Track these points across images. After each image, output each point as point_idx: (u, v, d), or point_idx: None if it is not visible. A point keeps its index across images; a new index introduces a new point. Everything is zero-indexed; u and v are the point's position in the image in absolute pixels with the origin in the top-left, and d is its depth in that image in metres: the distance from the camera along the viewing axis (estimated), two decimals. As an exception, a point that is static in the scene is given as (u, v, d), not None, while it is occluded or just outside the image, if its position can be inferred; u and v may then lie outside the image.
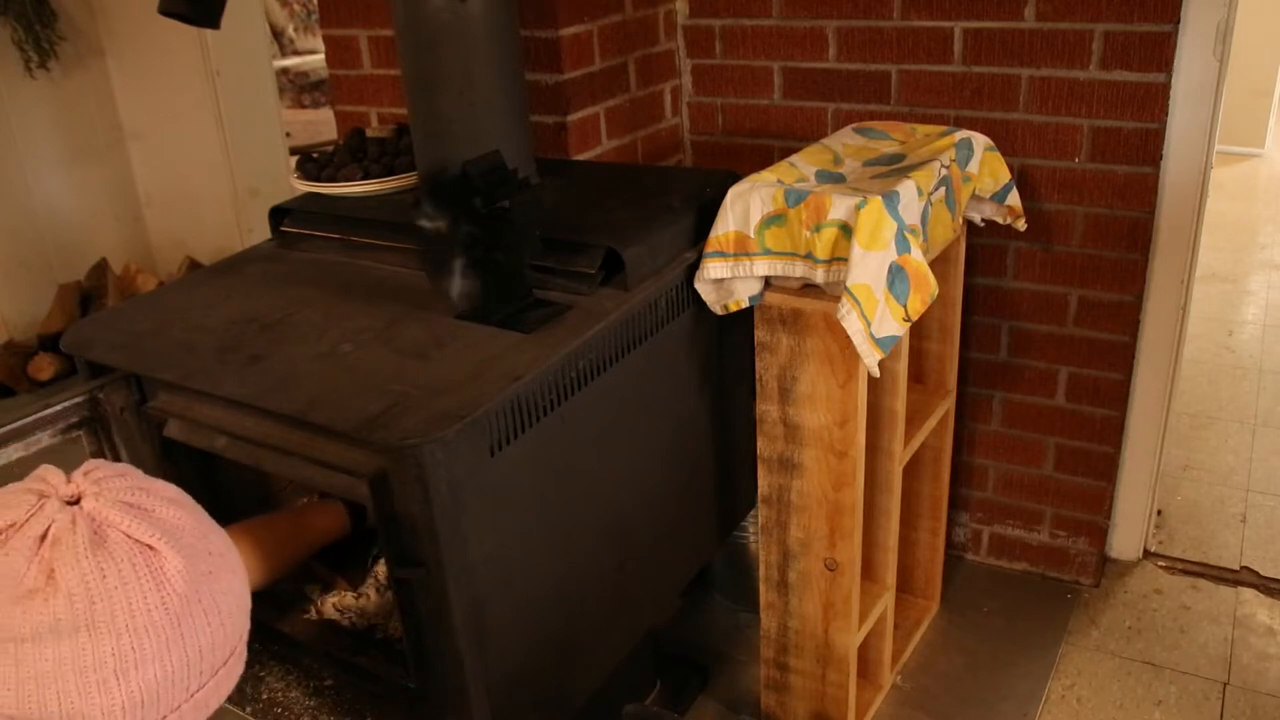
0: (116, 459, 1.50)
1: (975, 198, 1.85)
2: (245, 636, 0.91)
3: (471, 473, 1.23)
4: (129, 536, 0.81)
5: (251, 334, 1.46)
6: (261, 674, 1.55)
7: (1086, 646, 2.15)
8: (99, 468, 0.87)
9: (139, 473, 0.89)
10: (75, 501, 0.82)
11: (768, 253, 1.55)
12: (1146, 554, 2.38)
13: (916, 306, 1.52)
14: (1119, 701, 2.01)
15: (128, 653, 0.78)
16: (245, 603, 0.90)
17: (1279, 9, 4.81)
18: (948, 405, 2.04)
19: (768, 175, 1.63)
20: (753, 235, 1.55)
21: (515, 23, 1.65)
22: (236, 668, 0.90)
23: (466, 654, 1.28)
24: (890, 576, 1.94)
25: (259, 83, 3.79)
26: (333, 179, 1.77)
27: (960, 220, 1.82)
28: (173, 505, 0.86)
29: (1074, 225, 2.02)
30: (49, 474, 0.85)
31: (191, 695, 0.83)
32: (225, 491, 1.65)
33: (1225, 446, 2.81)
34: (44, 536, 0.79)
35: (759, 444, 1.72)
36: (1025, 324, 2.15)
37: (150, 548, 0.81)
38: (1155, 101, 1.87)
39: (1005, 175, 1.85)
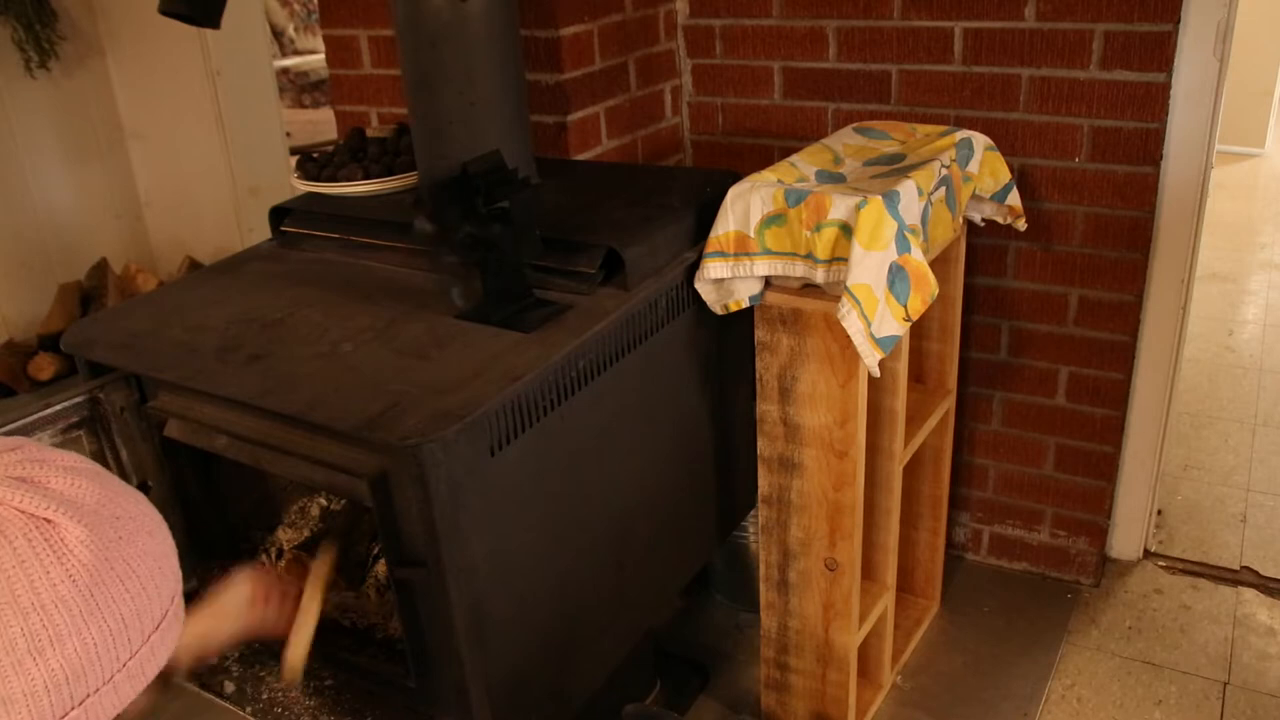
0: (117, 459, 1.50)
1: (975, 197, 1.85)
2: (179, 595, 0.86)
3: (471, 473, 1.23)
4: (21, 511, 0.76)
5: (251, 334, 1.46)
6: (261, 674, 1.56)
7: (1086, 646, 2.15)
8: None
9: (34, 444, 0.83)
10: None
11: (768, 252, 1.55)
12: (1147, 554, 2.38)
13: (917, 306, 1.52)
14: (1119, 701, 2.01)
15: (39, 631, 0.74)
16: (170, 561, 0.85)
17: (1279, 9, 4.81)
18: (948, 405, 2.04)
19: (768, 175, 1.63)
20: (753, 235, 1.55)
21: (515, 22, 1.65)
22: (172, 630, 0.86)
23: (466, 654, 1.28)
24: (890, 576, 1.94)
25: (259, 83, 3.79)
26: (333, 179, 1.77)
27: (960, 220, 1.82)
28: (71, 474, 0.80)
29: (1074, 225, 2.02)
30: None
31: (124, 665, 0.80)
32: (225, 491, 1.65)
33: (1225, 446, 2.81)
34: None
35: (759, 444, 1.71)
36: (1025, 324, 2.15)
37: (47, 520, 0.77)
38: (1155, 101, 1.87)
39: (1005, 175, 1.85)
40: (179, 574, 0.87)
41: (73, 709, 0.77)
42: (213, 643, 1.28)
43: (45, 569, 0.75)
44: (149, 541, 0.83)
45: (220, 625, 1.28)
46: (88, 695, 0.77)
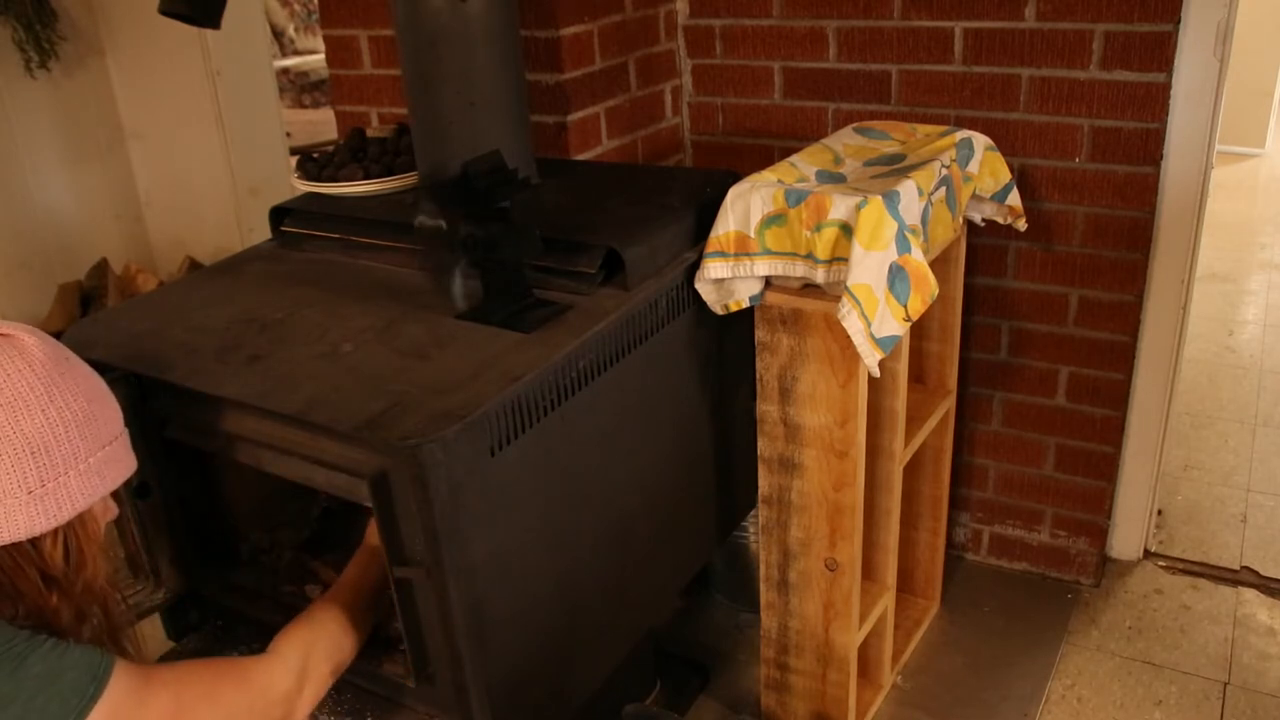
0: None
1: (975, 197, 1.85)
2: (125, 435, 1.08)
3: (471, 473, 1.23)
4: None
5: (251, 334, 1.46)
6: (261, 674, 1.55)
7: (1087, 646, 2.15)
8: None
9: None
10: None
11: (768, 253, 1.55)
12: (1147, 554, 2.38)
13: (917, 306, 1.52)
14: (1119, 701, 2.01)
15: (10, 402, 0.96)
16: (112, 399, 1.07)
17: (1279, 9, 4.81)
18: (948, 405, 2.04)
19: (768, 175, 1.63)
20: (753, 235, 1.55)
21: (515, 23, 1.65)
22: (124, 454, 1.07)
23: (466, 654, 1.28)
24: (890, 576, 1.94)
25: (259, 83, 3.79)
26: (333, 179, 1.77)
27: (960, 220, 1.82)
28: (24, 327, 1.03)
29: (1074, 225, 2.02)
30: None
31: (86, 459, 1.00)
32: (225, 492, 1.65)
33: (1225, 446, 2.81)
34: None
35: (759, 444, 1.71)
36: (1025, 324, 2.15)
37: (7, 335, 1.00)
38: (1155, 101, 1.87)
39: (1005, 175, 1.85)
40: (121, 415, 1.09)
41: (48, 482, 0.97)
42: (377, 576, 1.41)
43: (9, 359, 0.98)
44: (90, 373, 1.06)
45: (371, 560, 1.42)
46: (57, 475, 0.98)
